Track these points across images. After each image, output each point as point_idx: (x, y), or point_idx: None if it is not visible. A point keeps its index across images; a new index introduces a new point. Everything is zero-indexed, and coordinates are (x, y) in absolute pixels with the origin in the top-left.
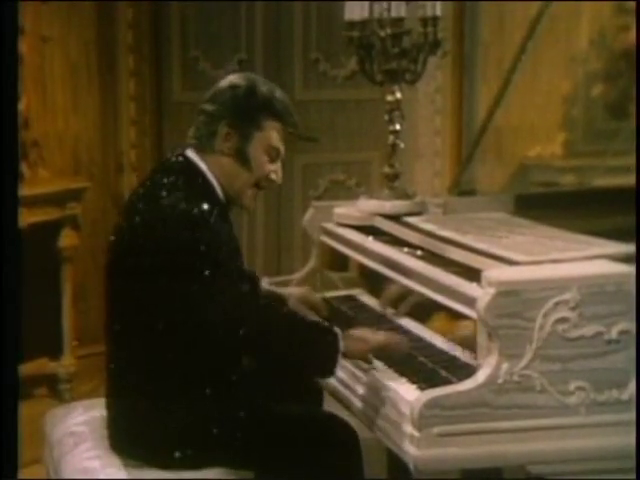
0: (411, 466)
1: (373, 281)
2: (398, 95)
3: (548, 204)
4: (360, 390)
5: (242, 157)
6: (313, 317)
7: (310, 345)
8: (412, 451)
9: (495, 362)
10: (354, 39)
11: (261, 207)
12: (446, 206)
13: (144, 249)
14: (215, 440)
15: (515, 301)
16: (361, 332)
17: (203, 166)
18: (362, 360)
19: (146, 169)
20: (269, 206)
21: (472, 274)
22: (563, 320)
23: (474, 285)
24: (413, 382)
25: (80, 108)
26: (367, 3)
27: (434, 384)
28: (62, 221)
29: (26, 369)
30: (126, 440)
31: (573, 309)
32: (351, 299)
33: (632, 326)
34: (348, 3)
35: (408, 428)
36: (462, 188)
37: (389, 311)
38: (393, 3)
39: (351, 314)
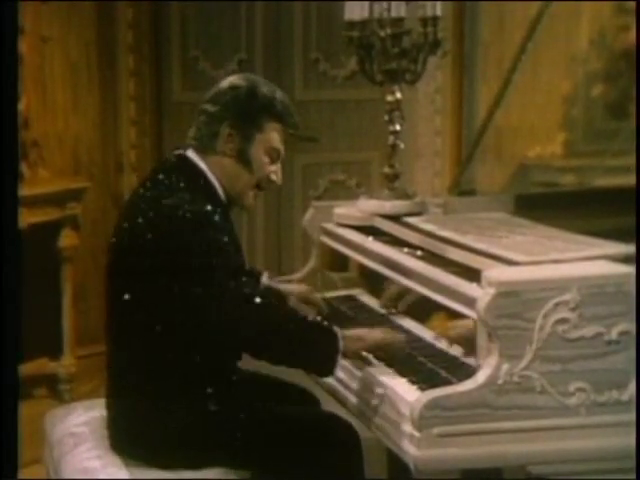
0: (411, 466)
1: (373, 281)
2: (398, 95)
3: (548, 204)
4: (360, 390)
5: (244, 158)
6: (313, 316)
7: (310, 345)
8: (412, 451)
9: (495, 363)
10: (354, 39)
11: (261, 207)
12: (446, 206)
13: (147, 250)
14: (215, 440)
15: (515, 301)
16: (358, 331)
17: (204, 167)
18: (360, 359)
19: (146, 169)
20: (269, 206)
21: (472, 274)
22: (563, 321)
23: (474, 285)
24: (413, 382)
25: (80, 108)
26: (367, 3)
27: (434, 384)
28: (62, 221)
29: (26, 369)
30: (126, 440)
31: (573, 310)
32: (351, 299)
33: (632, 327)
34: (348, 3)
35: (408, 428)
36: (462, 188)
37: (389, 311)
38: (393, 3)
39: (351, 314)
